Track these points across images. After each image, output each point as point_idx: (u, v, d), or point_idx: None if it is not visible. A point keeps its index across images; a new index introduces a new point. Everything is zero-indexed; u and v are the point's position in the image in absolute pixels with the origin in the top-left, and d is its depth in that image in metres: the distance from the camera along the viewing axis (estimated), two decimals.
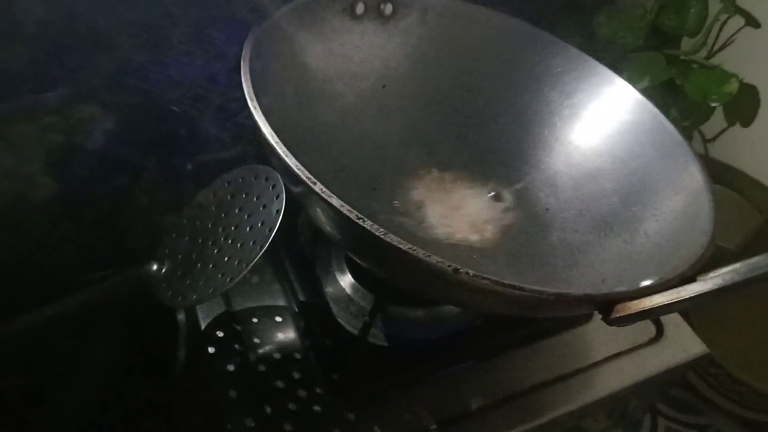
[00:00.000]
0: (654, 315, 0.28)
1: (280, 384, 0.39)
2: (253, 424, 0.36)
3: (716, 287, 0.27)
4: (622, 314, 0.28)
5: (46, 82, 0.49)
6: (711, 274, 0.31)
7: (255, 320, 0.42)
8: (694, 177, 0.40)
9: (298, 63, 0.44)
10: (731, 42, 0.76)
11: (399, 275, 0.33)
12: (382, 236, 0.27)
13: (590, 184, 0.47)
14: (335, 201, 0.28)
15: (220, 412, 0.36)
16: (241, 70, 0.34)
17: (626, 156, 0.45)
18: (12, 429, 0.35)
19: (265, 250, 0.34)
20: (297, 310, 0.44)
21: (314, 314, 0.44)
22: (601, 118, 0.48)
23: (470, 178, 0.50)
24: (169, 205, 0.45)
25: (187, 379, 0.39)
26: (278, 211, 0.34)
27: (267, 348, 0.41)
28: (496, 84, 0.51)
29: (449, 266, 0.26)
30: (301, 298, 0.45)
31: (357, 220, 0.27)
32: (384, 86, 0.50)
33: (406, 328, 0.44)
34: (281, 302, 0.45)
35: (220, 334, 0.40)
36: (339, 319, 0.43)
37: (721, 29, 0.76)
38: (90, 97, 0.49)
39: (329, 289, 0.45)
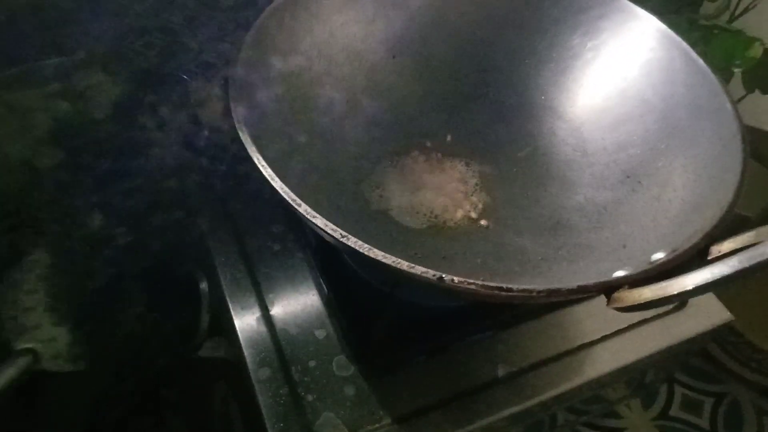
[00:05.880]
0: (651, 307, 0.26)
1: (304, 353, 0.40)
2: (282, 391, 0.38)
3: (714, 279, 0.24)
4: (618, 305, 0.27)
5: (49, 49, 0.48)
6: (725, 244, 0.29)
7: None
8: (727, 120, 0.36)
9: (297, 55, 0.43)
10: (753, 6, 0.70)
11: (397, 281, 0.34)
12: (366, 252, 0.27)
13: (618, 132, 0.43)
14: (320, 221, 0.28)
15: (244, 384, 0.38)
16: (228, 81, 0.34)
17: (655, 98, 0.41)
18: (30, 398, 0.35)
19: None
20: (321, 281, 0.45)
21: (338, 284, 0.44)
22: (628, 58, 0.44)
23: (494, 140, 0.48)
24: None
25: (207, 350, 0.40)
26: None
27: (291, 316, 0.42)
28: (513, 33, 0.48)
29: (434, 276, 0.27)
30: (324, 267, 0.45)
31: (341, 239, 0.28)
32: (394, 57, 0.48)
33: (429, 296, 0.44)
34: (304, 271, 0.46)
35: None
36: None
37: None
38: (95, 64, 0.47)
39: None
